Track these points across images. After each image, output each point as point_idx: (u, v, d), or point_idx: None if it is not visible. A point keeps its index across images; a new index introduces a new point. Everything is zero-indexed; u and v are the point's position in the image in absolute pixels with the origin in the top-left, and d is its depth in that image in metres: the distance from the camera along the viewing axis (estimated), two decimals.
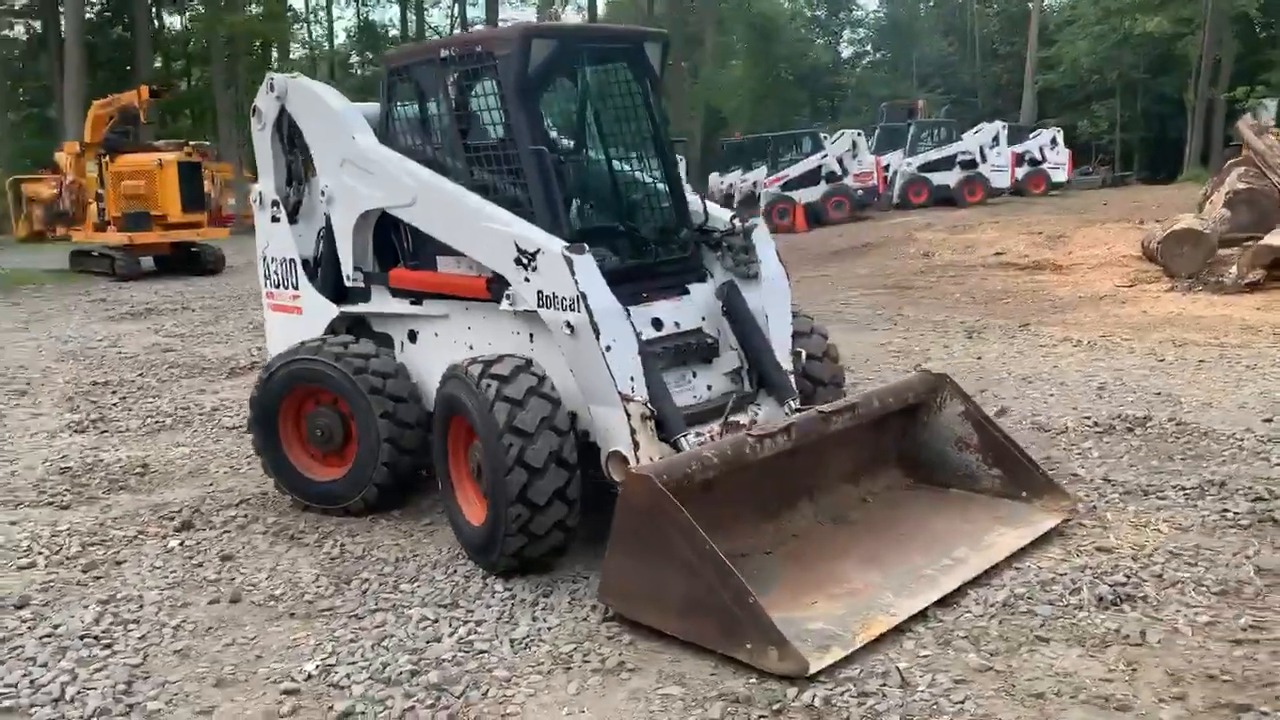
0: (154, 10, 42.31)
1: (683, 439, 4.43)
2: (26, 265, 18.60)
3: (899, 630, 3.81)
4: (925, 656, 3.64)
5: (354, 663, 3.73)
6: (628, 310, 4.63)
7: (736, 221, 5.18)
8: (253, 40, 40.50)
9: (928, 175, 28.01)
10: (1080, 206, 25.01)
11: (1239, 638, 3.66)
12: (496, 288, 4.77)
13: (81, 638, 3.96)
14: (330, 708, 3.44)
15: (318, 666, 3.71)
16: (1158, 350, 8.60)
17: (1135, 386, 7.31)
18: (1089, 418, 6.51)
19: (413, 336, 5.47)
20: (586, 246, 4.48)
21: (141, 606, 4.25)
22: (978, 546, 4.47)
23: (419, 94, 5.19)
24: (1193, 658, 3.53)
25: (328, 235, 5.59)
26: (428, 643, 3.87)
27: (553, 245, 4.43)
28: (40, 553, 4.87)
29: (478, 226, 4.72)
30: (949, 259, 16.83)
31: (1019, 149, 30.33)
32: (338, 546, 4.89)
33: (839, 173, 25.63)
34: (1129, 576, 4.16)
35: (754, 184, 26.23)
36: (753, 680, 3.51)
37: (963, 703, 3.31)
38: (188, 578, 4.56)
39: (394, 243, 5.45)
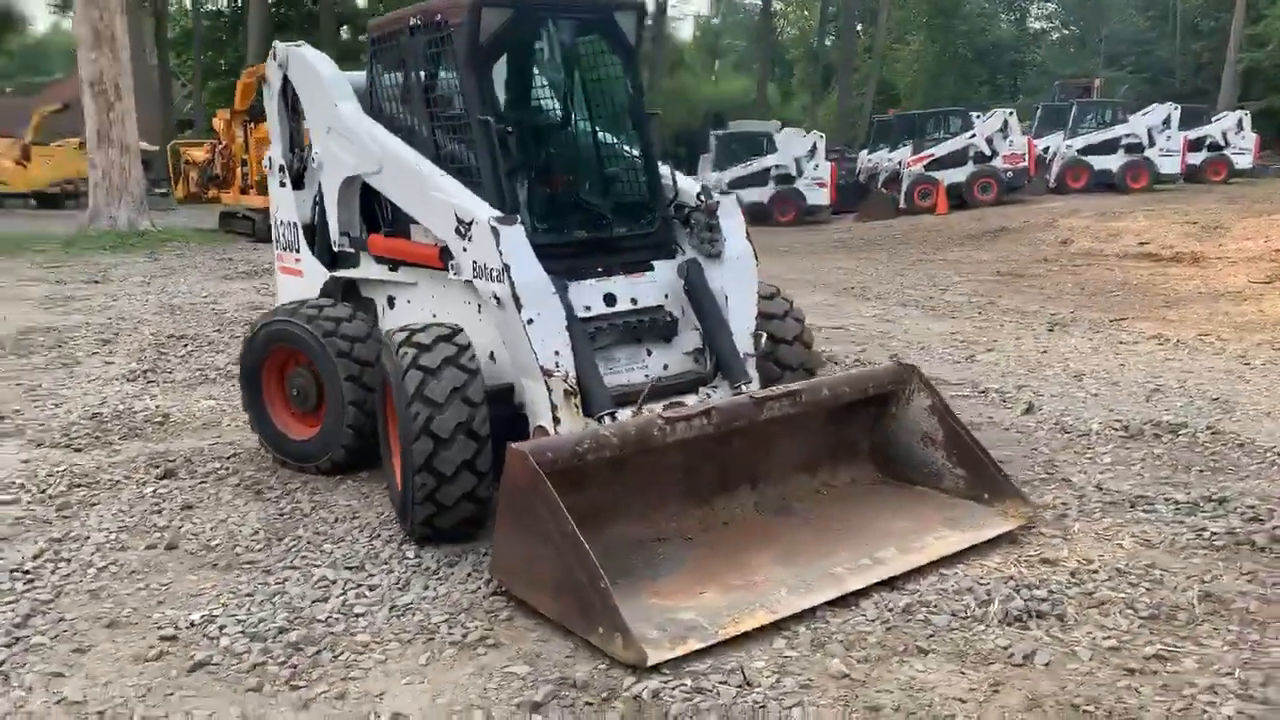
0: None
1: (606, 417, 4.35)
2: (182, 224, 19.82)
3: (777, 628, 3.65)
4: (788, 658, 3.47)
5: (235, 615, 3.83)
6: (565, 284, 4.58)
7: (702, 198, 5.03)
8: None
9: (1088, 159, 26.41)
10: (1259, 196, 23.09)
11: (1135, 667, 3.34)
12: (446, 257, 4.79)
13: (11, 571, 4.21)
14: (192, 656, 3.55)
15: (203, 616, 3.83)
16: (1249, 354, 7.90)
17: (1194, 391, 6.75)
18: (1120, 420, 6.04)
19: (391, 302, 5.56)
20: (518, 218, 4.44)
21: (82, 547, 4.48)
22: (908, 548, 4.22)
23: (396, 63, 5.24)
24: (1069, 684, 3.24)
25: (320, 201, 5.74)
26: (313, 602, 3.93)
27: (483, 216, 4.41)
28: (28, 490, 5.20)
29: (427, 196, 4.74)
30: (1085, 247, 15.89)
31: (1197, 133, 28.23)
32: (293, 504, 5.03)
33: (988, 153, 24.51)
34: (1054, 592, 3.85)
35: (898, 163, 25.36)
36: (602, 666, 3.43)
37: (792, 709, 3.14)
38: (140, 523, 4.78)
39: (375, 210, 5.54)
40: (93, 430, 6.28)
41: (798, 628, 3.67)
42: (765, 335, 5.03)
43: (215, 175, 19.14)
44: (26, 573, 4.22)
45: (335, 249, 5.66)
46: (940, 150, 24.82)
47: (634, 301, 4.91)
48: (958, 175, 24.37)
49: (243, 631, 3.71)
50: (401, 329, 4.51)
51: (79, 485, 5.29)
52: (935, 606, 3.79)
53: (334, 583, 4.11)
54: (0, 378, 7.69)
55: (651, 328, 4.90)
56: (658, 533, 4.35)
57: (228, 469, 5.56)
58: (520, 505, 3.78)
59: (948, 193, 23.79)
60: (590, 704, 3.22)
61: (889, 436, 4.97)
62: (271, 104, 6.02)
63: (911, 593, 3.91)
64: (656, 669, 3.36)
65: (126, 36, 17.10)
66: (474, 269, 4.49)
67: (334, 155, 5.44)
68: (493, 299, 4.40)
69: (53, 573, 4.23)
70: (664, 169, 5.23)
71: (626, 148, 5.15)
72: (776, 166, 24.96)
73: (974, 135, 24.70)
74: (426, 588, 4.06)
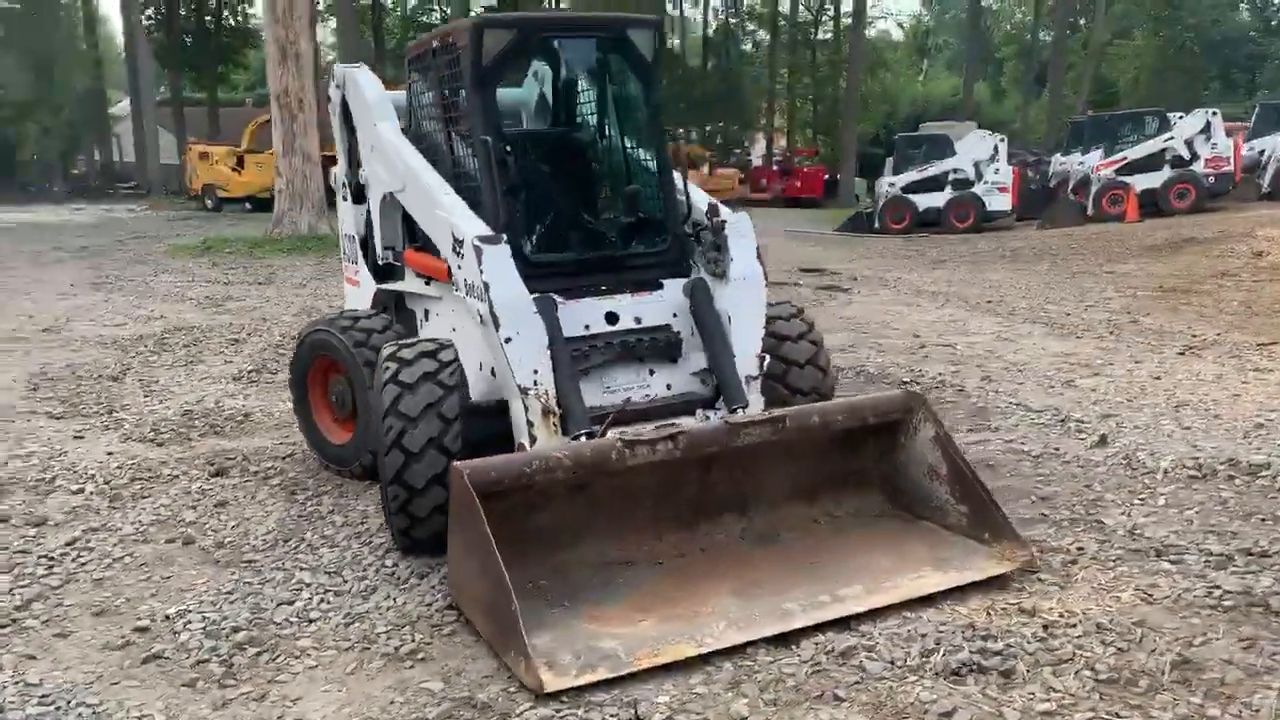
0: None
1: (583, 436, 4.35)
2: None
3: (705, 662, 3.56)
4: (697, 695, 3.38)
5: (205, 612, 4.06)
6: (555, 302, 4.61)
7: (709, 216, 4.95)
8: None
9: None
10: None
11: None
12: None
13: (40, 557, 4.61)
14: (150, 648, 3.79)
15: (178, 610, 4.08)
16: None
17: None
18: (1196, 458, 5.53)
19: (426, 315, 5.73)
20: (503, 238, 4.50)
21: (109, 538, 4.85)
22: (878, 587, 4.03)
23: (426, 83, 5.40)
24: None
25: (369, 215, 5.98)
26: (278, 605, 4.12)
27: (470, 235, 4.49)
28: (96, 481, 5.67)
29: (433, 214, 4.87)
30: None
31: None
32: (316, 506, 5.27)
33: (1186, 157, 22.78)
34: (1012, 646, 3.58)
35: (1089, 167, 23.93)
36: (511, 689, 3.45)
37: None
38: (172, 518, 5.12)
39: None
40: (179, 426, 6.77)
41: (724, 664, 3.56)
42: (769, 357, 4.90)
43: None
44: (51, 559, 4.60)
45: (380, 262, 5.89)
46: (1134, 153, 23.26)
47: (638, 320, 4.88)
48: (1152, 180, 22.75)
49: (203, 628, 3.92)
50: (392, 344, 4.66)
51: (140, 479, 5.71)
52: (875, 652, 3.60)
53: (307, 586, 4.28)
54: (131, 374, 8.38)
55: (653, 347, 4.86)
56: (628, 556, 4.32)
57: (276, 470, 5.87)
58: (459, 523, 3.84)
59: (1140, 199, 22.27)
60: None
61: (898, 468, 4.74)
62: (335, 122, 6.32)
63: (862, 635, 3.73)
64: (556, 696, 3.35)
65: (311, 52, 18.26)
66: (465, 286, 4.58)
67: (376, 172, 5.66)
68: (478, 316, 4.48)
69: (73, 560, 4.60)
70: (693, 189, 5.19)
71: (640, 165, 5.13)
72: (954, 170, 24.05)
73: (1171, 137, 23.02)
74: (387, 597, 4.17)
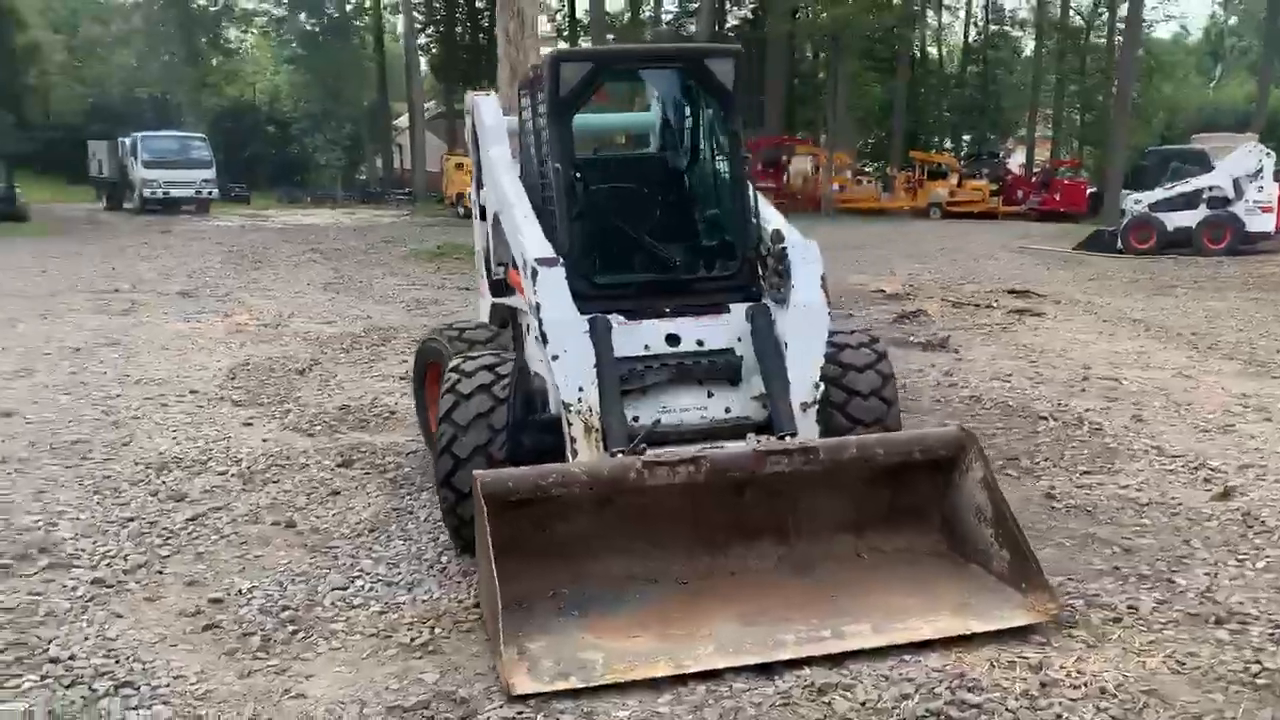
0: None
1: (620, 454, 4.52)
2: None
3: (680, 682, 3.66)
4: (658, 713, 3.50)
5: (271, 591, 4.52)
6: (610, 324, 4.78)
7: (772, 243, 4.98)
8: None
9: None
10: None
11: None
12: None
13: (164, 529, 5.25)
14: (214, 618, 4.27)
15: (251, 586, 4.57)
16: None
17: None
18: None
19: (526, 329, 6.05)
20: (559, 261, 4.74)
21: (225, 517, 5.45)
22: (887, 627, 3.98)
23: (527, 111, 5.72)
24: None
25: (488, 233, 6.38)
26: (333, 589, 4.53)
27: (530, 256, 4.76)
28: (241, 465, 6.36)
29: (515, 236, 5.18)
30: None
31: None
32: (413, 501, 5.70)
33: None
34: (997, 701, 3.48)
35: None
36: (493, 687, 3.68)
37: None
38: (287, 502, 5.69)
39: None
40: (332, 420, 7.44)
41: (699, 687, 3.64)
42: (823, 386, 4.87)
43: None
44: (171, 532, 5.23)
45: (494, 278, 6.27)
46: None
47: (700, 343, 4.98)
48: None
49: (261, 605, 4.38)
50: (462, 355, 4.99)
51: (277, 465, 6.35)
52: (852, 692, 3.58)
53: (365, 574, 4.68)
54: (317, 369, 9.24)
55: (711, 369, 4.95)
56: (653, 573, 4.44)
57: (395, 464, 6.37)
58: (476, 527, 4.10)
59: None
60: (443, 718, 3.49)
61: (955, 507, 4.61)
62: (469, 145, 6.77)
63: (848, 673, 3.71)
64: (524, 699, 3.54)
65: None
66: (528, 305, 4.86)
67: (488, 194, 6.05)
68: (536, 335, 4.75)
69: (188, 535, 5.21)
70: (769, 211, 5.25)
71: (716, 191, 5.23)
72: (1210, 188, 22.18)
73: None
74: (427, 592, 4.50)
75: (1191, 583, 4.41)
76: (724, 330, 5.01)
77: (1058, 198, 39.80)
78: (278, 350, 10.13)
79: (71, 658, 3.91)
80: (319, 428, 7.24)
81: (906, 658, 3.81)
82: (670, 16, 56.50)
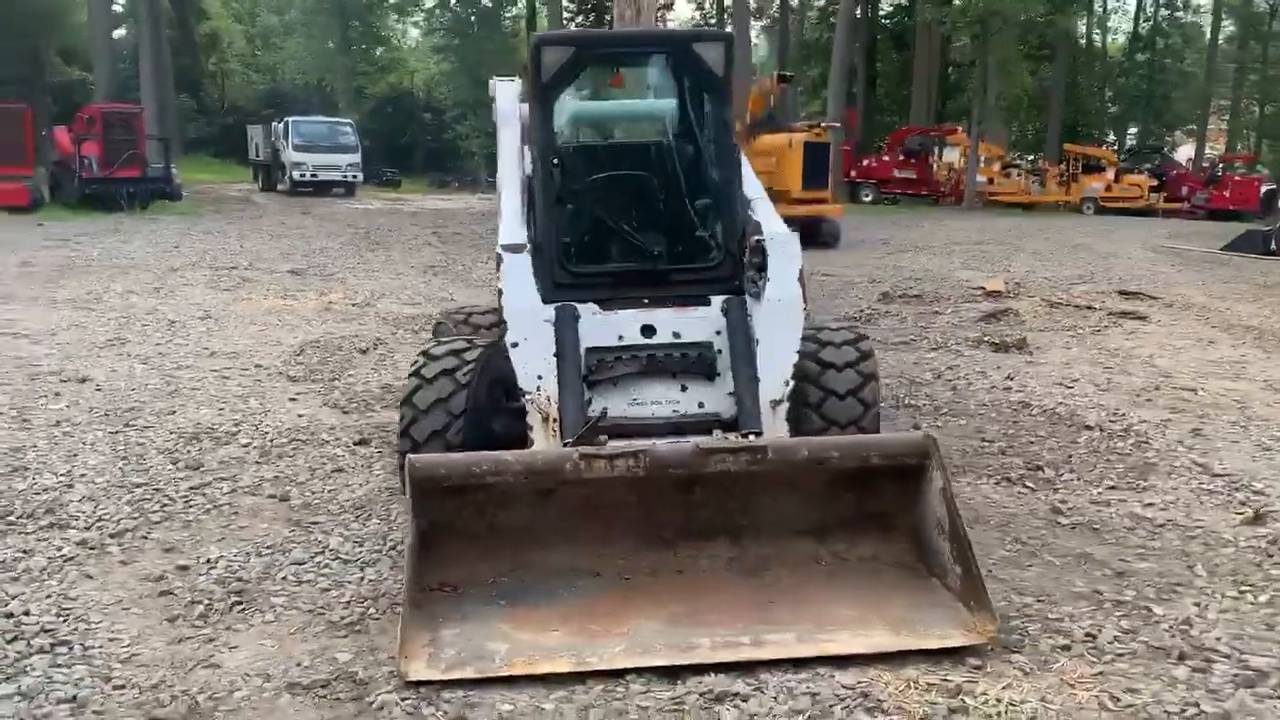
0: None
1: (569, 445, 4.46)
2: None
3: (580, 679, 3.59)
4: (541, 710, 3.44)
5: (234, 561, 4.65)
6: (576, 313, 4.72)
7: (754, 236, 4.81)
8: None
9: None
10: None
11: None
12: None
13: (168, 496, 5.46)
14: (170, 584, 4.42)
15: (218, 556, 4.71)
16: None
17: None
18: None
19: None
20: (526, 247, 4.70)
21: (224, 488, 5.63)
22: (812, 637, 3.81)
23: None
24: None
25: None
26: (291, 564, 4.62)
27: (499, 243, 4.74)
28: (264, 437, 6.57)
29: (498, 222, 5.17)
30: None
31: None
32: None
33: None
34: None
35: None
36: (393, 672, 3.68)
37: None
38: (289, 476, 5.84)
39: None
40: (372, 399, 7.60)
41: (597, 686, 3.57)
42: (792, 384, 4.69)
43: None
44: (171, 500, 5.44)
45: None
46: None
47: (676, 335, 4.87)
48: None
49: (220, 575, 4.51)
50: (437, 340, 5.01)
51: (298, 440, 6.54)
52: (748, 702, 3.44)
53: (327, 551, 4.76)
54: (379, 349, 9.47)
55: (684, 362, 4.83)
56: (598, 567, 4.37)
57: None
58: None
59: None
60: (334, 698, 3.52)
61: (921, 516, 4.38)
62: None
63: (756, 682, 3.57)
64: (417, 685, 3.53)
65: None
66: (495, 292, 4.85)
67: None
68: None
69: (186, 503, 5.41)
70: (762, 205, 5.09)
71: (703, 180, 5.09)
72: None
73: None
74: (378, 573, 4.54)
75: (1172, 613, 4.06)
76: (702, 323, 4.88)
77: (1227, 195, 37.57)
78: (353, 329, 10.42)
79: (26, 613, 4.10)
80: (355, 405, 7.42)
81: (822, 671, 3.63)
82: (823, 1, 55.67)
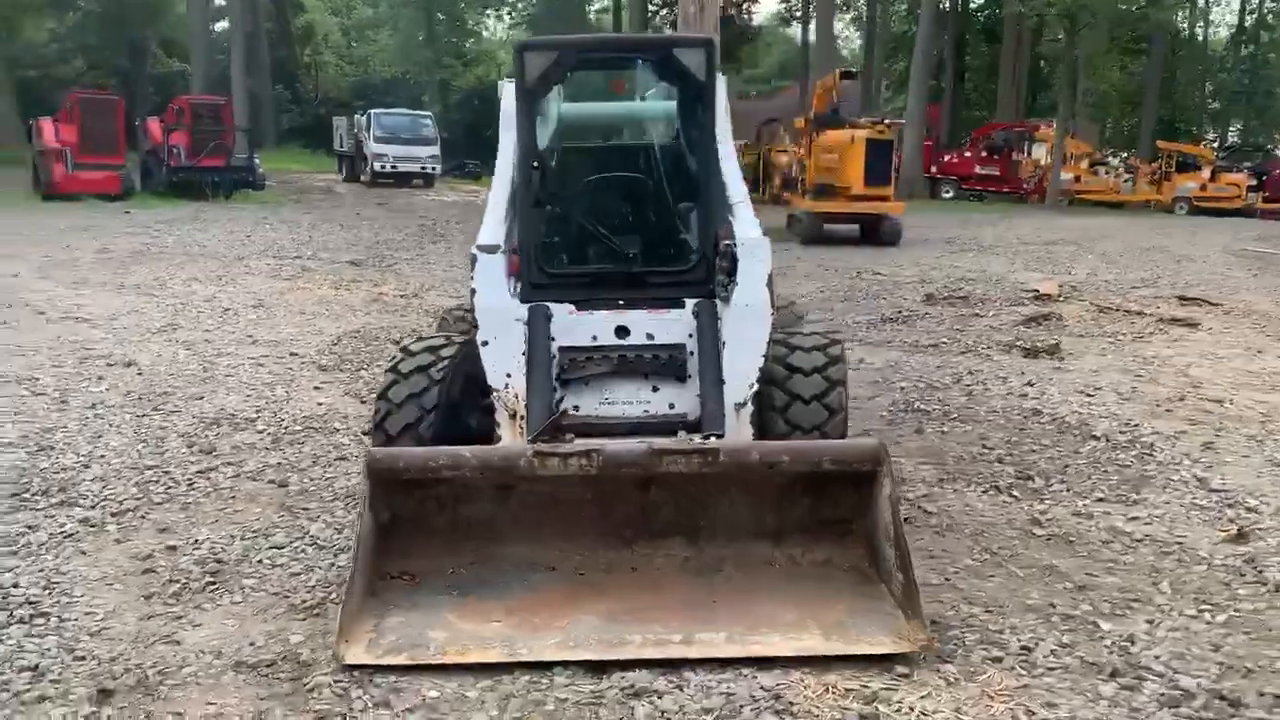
0: None
1: (539, 441, 4.57)
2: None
3: (509, 670, 3.70)
4: (464, 698, 3.56)
5: (219, 544, 4.87)
6: (546, 312, 4.83)
7: (726, 241, 4.87)
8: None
9: None
10: None
11: None
12: None
13: (174, 480, 5.73)
14: (155, 561, 4.66)
15: (205, 537, 4.94)
16: None
17: None
18: None
19: None
20: (499, 248, 4.83)
21: (230, 471, 5.89)
22: (744, 639, 3.88)
23: None
24: None
25: None
26: (269, 549, 4.82)
27: (475, 244, 4.88)
28: (280, 424, 6.82)
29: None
30: None
31: None
32: None
33: None
34: None
35: None
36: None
37: None
38: (293, 464, 6.07)
39: None
40: None
41: (523, 677, 3.67)
42: (756, 387, 4.73)
43: (793, 179, 20.58)
44: (176, 482, 5.71)
45: None
46: None
47: (650, 336, 4.95)
48: None
49: (202, 556, 4.74)
50: (416, 335, 5.17)
51: (311, 428, 6.78)
52: (664, 699, 3.52)
53: (305, 537, 4.96)
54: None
55: (655, 364, 4.91)
56: (555, 562, 4.48)
57: None
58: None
59: None
60: (275, 676, 3.69)
61: (874, 522, 4.40)
62: None
63: (678, 679, 3.64)
64: (352, 669, 3.69)
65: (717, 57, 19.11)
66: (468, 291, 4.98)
67: None
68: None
69: (189, 486, 5.67)
70: (743, 209, 5.14)
71: (684, 184, 5.15)
72: None
73: None
74: (351, 561, 4.71)
75: (1119, 629, 4.02)
76: (676, 325, 4.95)
77: None
78: (395, 321, 10.70)
79: (15, 585, 4.38)
80: (374, 395, 7.63)
81: (747, 672, 3.69)
82: None
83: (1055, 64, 42.81)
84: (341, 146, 38.53)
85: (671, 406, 4.91)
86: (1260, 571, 4.56)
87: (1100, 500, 5.48)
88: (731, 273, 4.81)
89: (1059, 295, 12.65)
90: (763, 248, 4.85)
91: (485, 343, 4.72)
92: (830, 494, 4.47)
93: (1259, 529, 5.05)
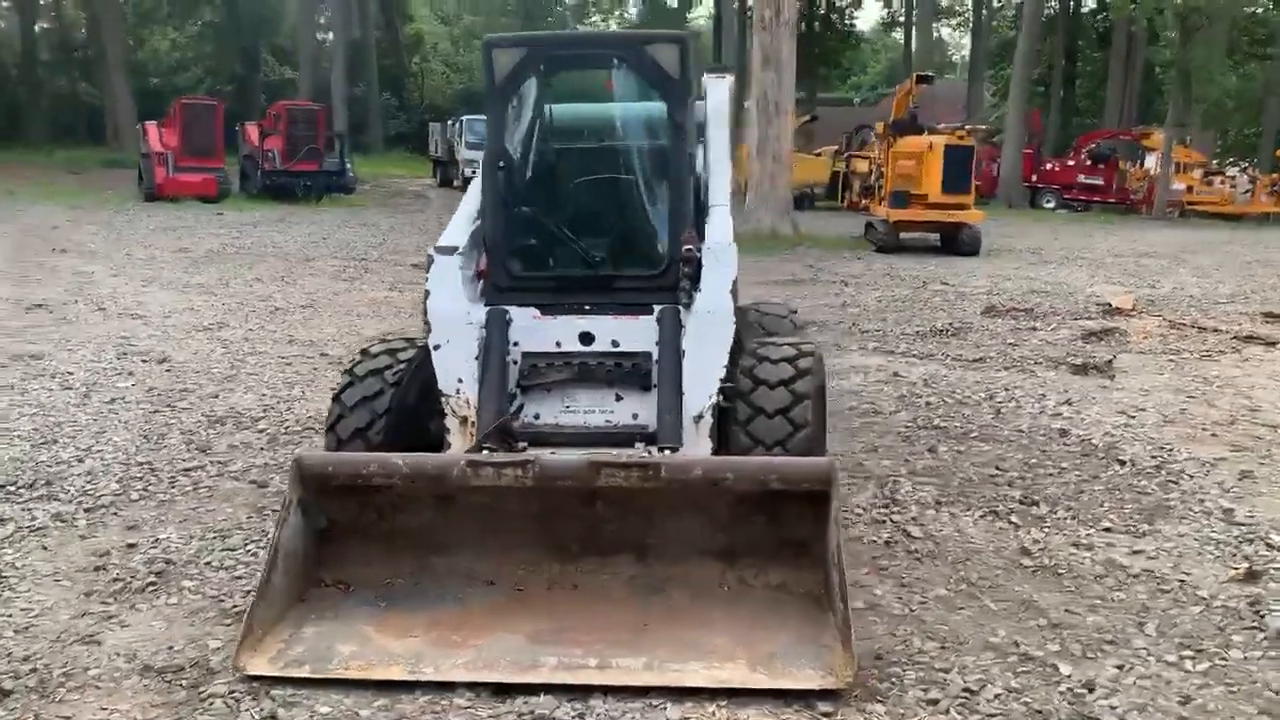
0: None
1: (486, 449, 4.43)
2: (832, 232, 21.26)
3: (409, 688, 3.55)
4: (357, 716, 3.43)
5: (174, 543, 4.83)
6: (504, 316, 4.68)
7: (689, 247, 4.64)
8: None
9: None
10: None
11: None
12: None
13: (161, 476, 5.75)
14: (106, 560, 4.65)
15: (164, 536, 4.91)
16: None
17: None
18: None
19: None
20: (457, 249, 4.69)
21: (214, 470, 5.88)
22: (662, 666, 3.66)
23: None
24: None
25: None
26: (224, 549, 4.77)
27: (434, 245, 4.75)
28: (281, 425, 6.82)
29: None
30: None
31: None
32: None
33: None
34: None
35: None
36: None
37: None
38: (277, 464, 6.02)
39: None
40: None
41: (423, 698, 3.52)
42: (715, 398, 4.50)
43: (871, 186, 20.08)
44: (158, 480, 5.72)
45: None
46: None
47: (615, 344, 4.76)
48: None
49: (154, 555, 4.71)
50: (380, 338, 5.07)
51: (311, 429, 6.74)
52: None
53: (261, 540, 4.87)
54: None
55: (618, 372, 4.71)
56: (495, 575, 4.32)
57: None
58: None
59: None
60: (177, 683, 3.61)
61: (826, 546, 4.12)
62: None
63: (583, 708, 3.45)
64: (255, 678, 3.58)
65: (792, 58, 18.84)
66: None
67: None
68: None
69: (171, 484, 5.67)
70: (719, 212, 4.92)
71: (654, 187, 4.94)
72: None
73: None
74: None
75: (1082, 675, 3.67)
76: (643, 332, 4.74)
77: None
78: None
79: None
80: None
81: (658, 702, 3.48)
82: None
83: (1167, 69, 41.06)
84: (436, 152, 39.17)
85: (635, 417, 4.71)
86: (1261, 616, 4.14)
87: (1106, 530, 5.07)
88: (695, 279, 4.59)
89: (1132, 310, 12.00)
90: (728, 253, 4.62)
91: (437, 346, 4.59)
92: (787, 514, 4.21)
93: (1275, 567, 4.60)
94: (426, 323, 4.62)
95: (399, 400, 4.74)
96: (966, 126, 19.29)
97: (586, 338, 4.76)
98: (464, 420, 4.55)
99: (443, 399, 4.58)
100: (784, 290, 13.62)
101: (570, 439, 4.60)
